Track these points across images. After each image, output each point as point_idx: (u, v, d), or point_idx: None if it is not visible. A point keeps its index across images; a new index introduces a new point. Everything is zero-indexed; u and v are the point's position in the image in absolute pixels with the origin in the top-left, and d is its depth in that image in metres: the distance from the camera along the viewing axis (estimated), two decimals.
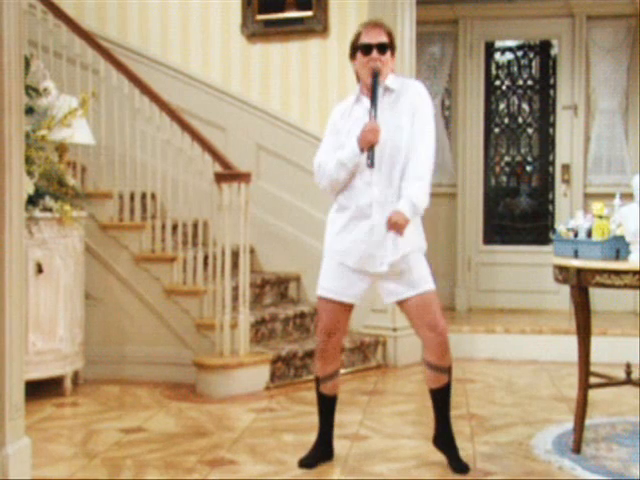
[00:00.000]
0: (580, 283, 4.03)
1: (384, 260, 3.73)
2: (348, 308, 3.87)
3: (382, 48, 3.76)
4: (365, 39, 3.78)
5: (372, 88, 3.72)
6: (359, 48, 3.79)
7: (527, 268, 7.76)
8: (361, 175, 3.75)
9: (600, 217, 4.07)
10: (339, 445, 4.14)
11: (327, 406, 4.02)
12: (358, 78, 3.87)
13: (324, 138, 3.92)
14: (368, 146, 3.66)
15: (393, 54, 3.84)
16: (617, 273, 3.87)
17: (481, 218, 7.98)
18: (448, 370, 3.85)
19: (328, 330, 3.87)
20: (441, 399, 3.90)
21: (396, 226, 3.67)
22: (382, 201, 3.72)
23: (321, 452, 4.01)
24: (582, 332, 4.19)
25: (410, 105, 3.78)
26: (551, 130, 7.99)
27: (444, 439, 3.93)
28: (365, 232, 3.74)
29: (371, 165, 3.66)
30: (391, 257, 3.71)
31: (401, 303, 3.83)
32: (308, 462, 3.94)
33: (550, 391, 5.53)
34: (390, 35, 3.83)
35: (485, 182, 8.03)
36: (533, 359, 6.47)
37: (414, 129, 3.75)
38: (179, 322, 5.73)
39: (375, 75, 3.72)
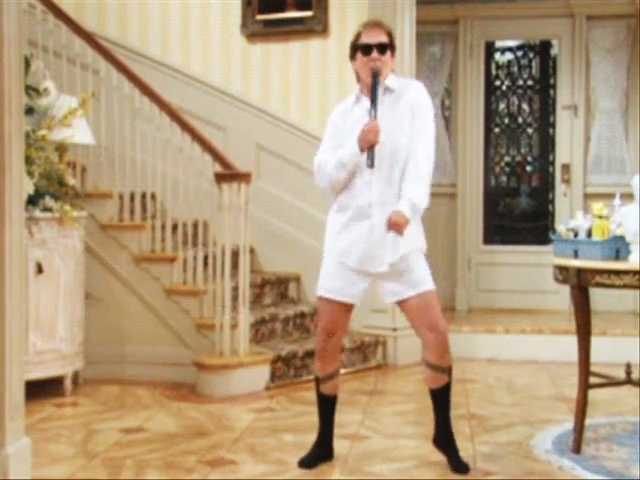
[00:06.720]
0: (580, 283, 4.03)
1: (384, 260, 3.73)
2: (348, 308, 3.87)
3: (382, 48, 3.76)
4: (365, 39, 3.78)
5: (372, 88, 3.71)
6: (359, 48, 3.79)
7: (527, 268, 7.76)
8: (361, 175, 3.74)
9: (600, 217, 4.07)
10: (339, 445, 4.14)
11: (327, 406, 4.01)
12: (358, 78, 3.87)
13: (324, 138, 3.91)
14: (368, 146, 3.65)
15: (393, 54, 3.84)
16: (617, 273, 3.87)
17: (481, 218, 7.98)
18: (448, 370, 3.85)
19: (328, 330, 3.86)
20: (441, 399, 3.90)
21: (396, 226, 3.67)
22: (382, 201, 3.72)
23: (321, 452, 4.00)
24: (582, 332, 4.19)
25: (410, 105, 3.78)
26: (551, 130, 7.99)
27: (444, 439, 3.93)
28: (365, 232, 3.74)
29: (371, 165, 3.65)
30: (391, 257, 3.71)
31: (401, 303, 3.83)
32: (308, 462, 3.93)
33: (550, 391, 5.53)
34: (390, 35, 3.82)
35: (485, 182, 8.03)
36: (533, 359, 6.47)
37: (414, 128, 3.74)
38: (179, 322, 5.73)
39: (375, 75, 3.72)
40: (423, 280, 3.78)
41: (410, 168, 3.72)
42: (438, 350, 3.80)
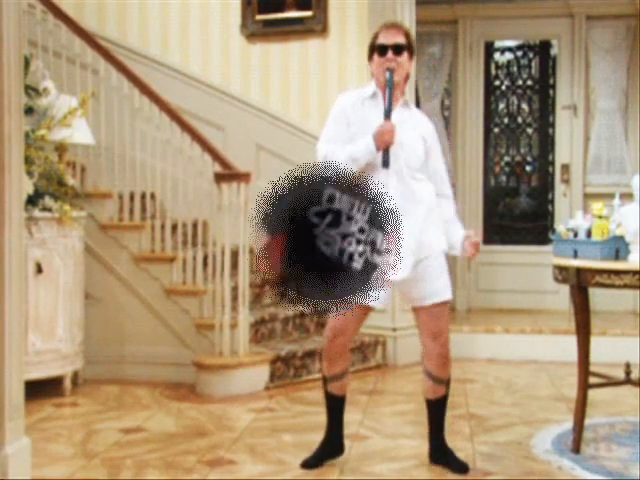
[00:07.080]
0: (580, 283, 4.03)
1: (399, 268, 3.69)
2: (364, 311, 3.79)
3: (398, 49, 3.74)
4: (381, 40, 3.76)
5: (386, 88, 3.70)
6: (375, 49, 3.78)
7: (527, 268, 7.76)
8: (377, 176, 3.68)
9: (600, 217, 4.08)
10: None
11: (335, 406, 3.96)
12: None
13: (329, 125, 3.83)
14: (384, 146, 3.63)
15: (411, 56, 3.81)
16: (617, 273, 3.88)
17: (481, 218, 7.99)
18: (446, 382, 3.85)
19: (336, 330, 3.80)
20: (437, 411, 3.90)
21: (476, 250, 3.94)
22: (399, 205, 3.69)
23: (328, 450, 3.96)
24: (582, 332, 4.19)
25: (430, 142, 3.86)
26: (551, 130, 7.99)
27: (440, 453, 3.91)
28: None
29: (386, 165, 3.64)
30: (407, 264, 3.66)
31: (415, 309, 3.85)
32: (312, 463, 3.90)
33: (550, 391, 5.53)
34: (408, 36, 3.80)
35: (485, 182, 8.04)
36: (533, 359, 6.47)
37: (437, 161, 3.92)
38: (179, 322, 5.73)
39: (389, 75, 3.69)
40: (440, 291, 3.78)
41: (452, 210, 3.91)
42: (438, 360, 3.80)
